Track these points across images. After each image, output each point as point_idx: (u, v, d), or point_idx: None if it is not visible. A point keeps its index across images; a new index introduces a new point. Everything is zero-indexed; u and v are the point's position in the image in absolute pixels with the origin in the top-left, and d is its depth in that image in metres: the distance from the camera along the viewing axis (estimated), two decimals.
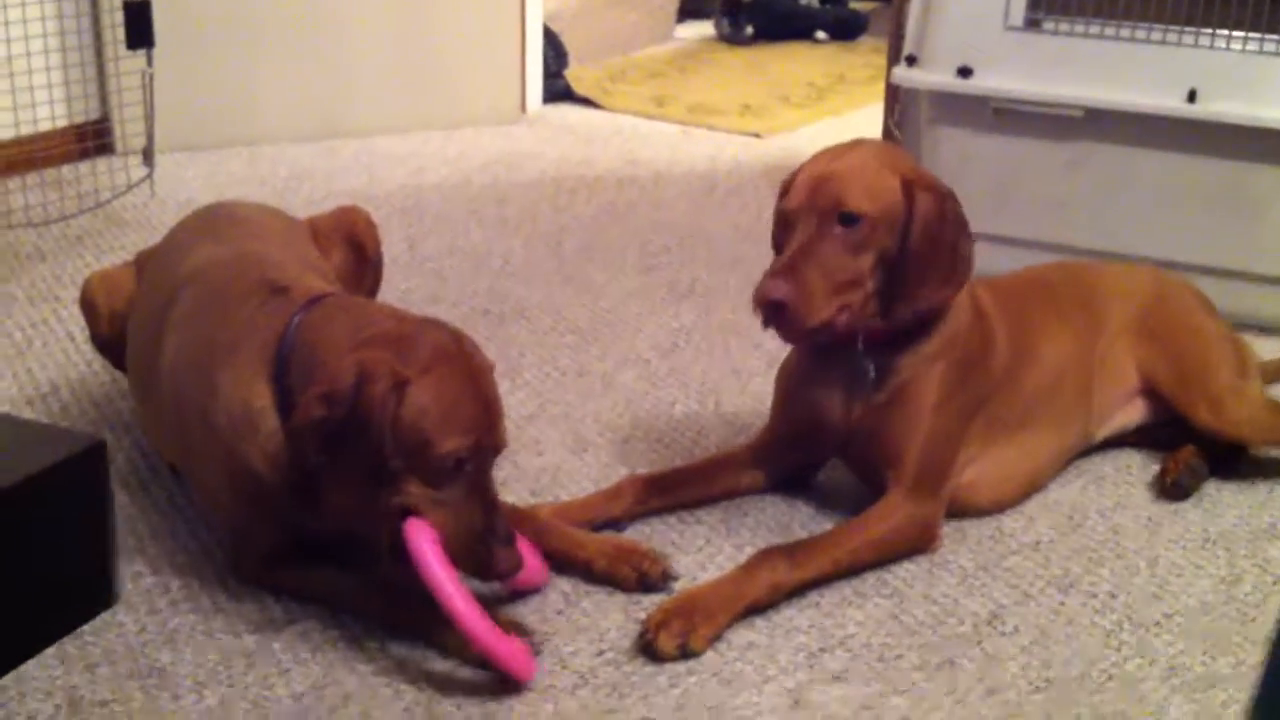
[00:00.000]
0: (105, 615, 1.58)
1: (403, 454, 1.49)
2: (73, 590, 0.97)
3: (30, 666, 1.49)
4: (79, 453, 0.94)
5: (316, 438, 1.49)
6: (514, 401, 2.23)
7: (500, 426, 1.58)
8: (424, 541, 1.49)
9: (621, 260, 2.92)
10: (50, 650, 1.52)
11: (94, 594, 1.00)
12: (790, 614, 1.67)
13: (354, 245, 2.13)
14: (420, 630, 1.59)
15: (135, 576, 1.67)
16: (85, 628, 1.55)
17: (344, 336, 1.55)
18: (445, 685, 1.53)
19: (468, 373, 1.55)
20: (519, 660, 1.51)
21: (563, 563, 1.73)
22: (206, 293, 1.75)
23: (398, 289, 2.68)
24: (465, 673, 1.55)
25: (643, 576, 1.72)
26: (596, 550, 1.74)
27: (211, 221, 2.00)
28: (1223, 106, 2.51)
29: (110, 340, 2.02)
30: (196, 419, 1.64)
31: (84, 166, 3.33)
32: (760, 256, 3.00)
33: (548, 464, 2.04)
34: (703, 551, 1.82)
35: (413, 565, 1.49)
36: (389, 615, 1.61)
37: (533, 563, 1.67)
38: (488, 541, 1.51)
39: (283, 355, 1.58)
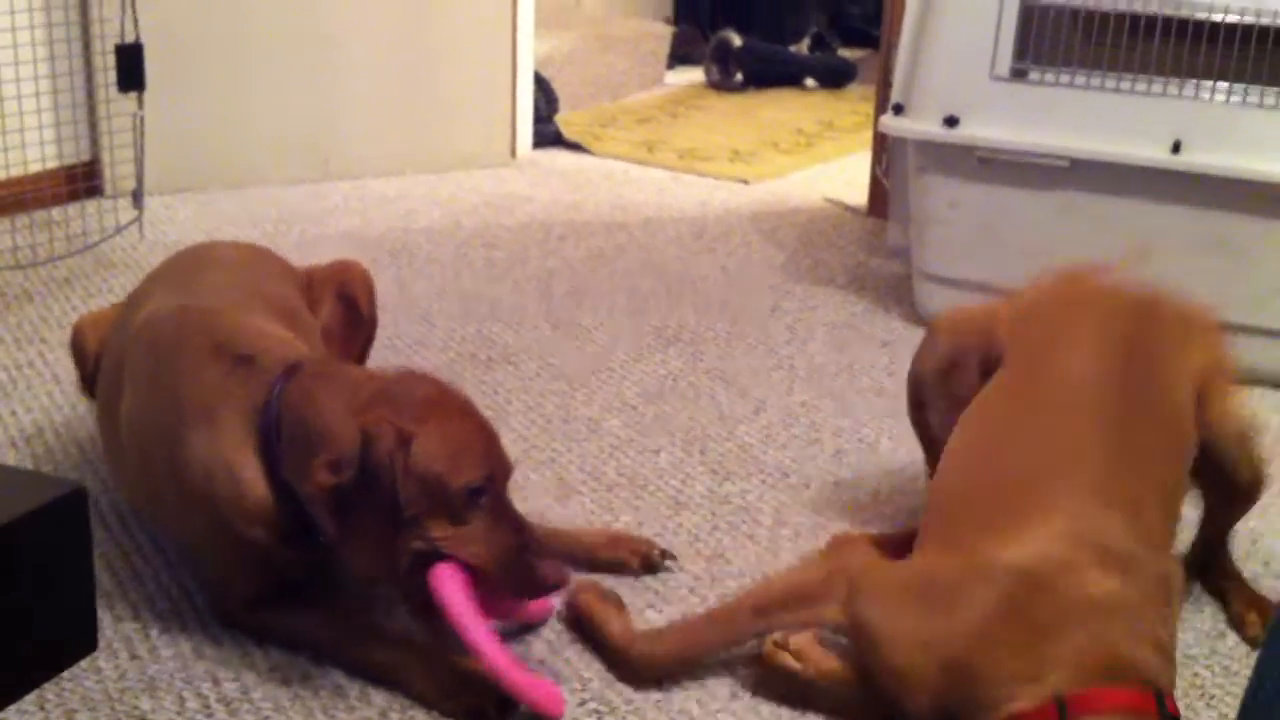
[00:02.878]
0: (85, 661, 1.57)
1: (420, 501, 1.51)
2: (53, 636, 0.97)
3: (10, 714, 1.48)
4: (60, 498, 0.94)
5: (330, 506, 1.50)
6: None
7: (504, 452, 1.61)
8: (450, 585, 1.51)
9: (610, 305, 2.93)
10: (30, 697, 1.51)
11: (75, 640, 1.00)
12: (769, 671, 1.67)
13: (347, 300, 2.13)
14: (399, 677, 1.58)
15: (116, 620, 1.66)
16: (65, 674, 1.55)
17: (336, 403, 1.56)
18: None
19: (462, 411, 1.60)
20: (551, 697, 1.53)
21: (568, 558, 1.76)
22: (151, 349, 1.74)
23: (385, 332, 2.68)
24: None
25: (645, 558, 1.85)
26: (595, 542, 1.86)
27: (179, 266, 2.00)
28: (1207, 158, 2.52)
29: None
30: (166, 476, 1.64)
31: (73, 208, 3.33)
32: (747, 301, 3.02)
33: (532, 509, 2.03)
34: (686, 603, 1.82)
35: (439, 613, 1.51)
36: (369, 661, 1.61)
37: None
38: (526, 558, 1.54)
39: (268, 426, 1.59)
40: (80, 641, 1.09)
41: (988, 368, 1.82)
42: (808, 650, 1.57)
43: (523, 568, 1.53)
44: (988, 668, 1.39)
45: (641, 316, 2.87)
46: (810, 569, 1.65)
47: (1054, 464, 1.59)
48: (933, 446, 1.87)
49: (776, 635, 1.58)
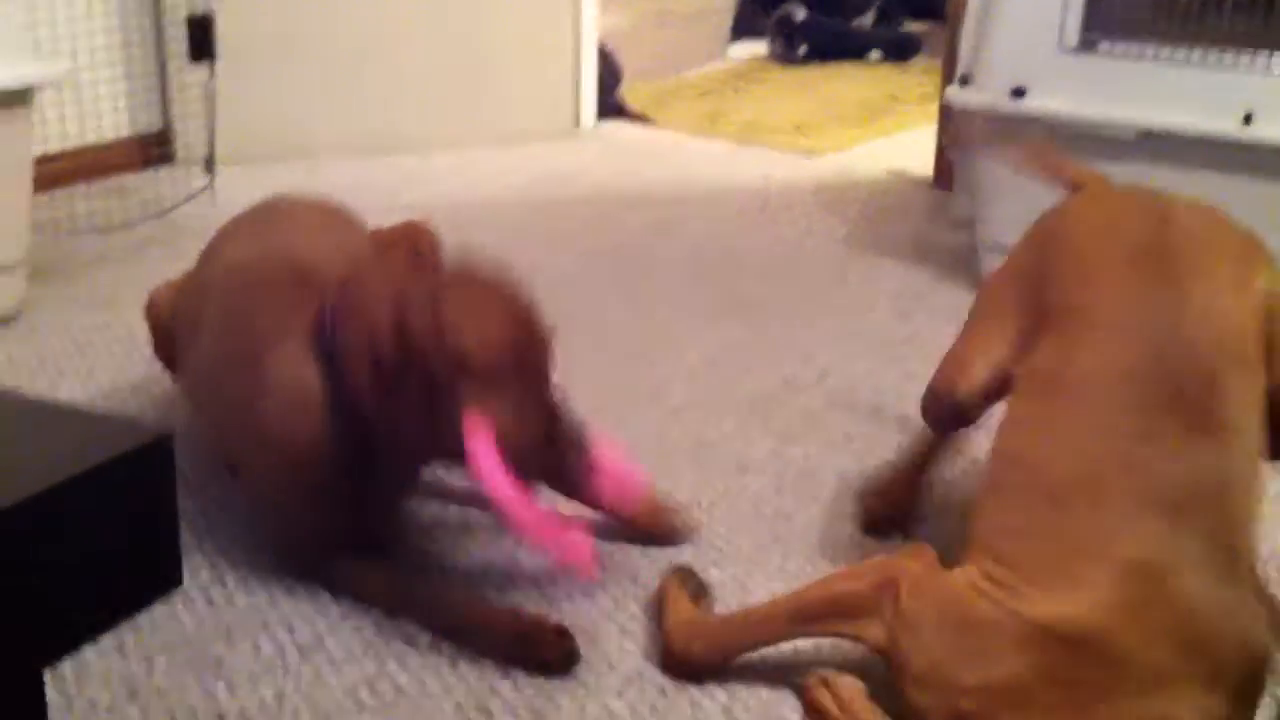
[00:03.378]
0: (164, 609, 1.61)
1: (451, 372, 1.52)
2: (140, 573, 1.01)
3: (90, 656, 1.52)
4: (148, 443, 0.98)
5: (369, 379, 1.53)
6: None
7: (543, 334, 1.62)
8: (483, 443, 1.52)
9: (673, 275, 2.94)
10: (110, 642, 1.55)
11: (162, 577, 1.04)
12: None
13: (416, 260, 2.16)
14: (464, 638, 1.61)
15: (193, 571, 1.70)
16: (144, 620, 1.59)
17: (379, 291, 1.60)
18: (496, 683, 1.55)
19: (497, 286, 1.62)
20: (577, 550, 1.54)
21: (608, 521, 1.82)
22: (234, 290, 1.79)
23: None
24: (517, 670, 1.57)
25: (675, 530, 1.86)
26: (638, 508, 1.85)
27: (252, 220, 2.04)
28: (1278, 130, 2.50)
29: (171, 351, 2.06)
30: (243, 411, 1.68)
31: (146, 175, 3.40)
32: (810, 274, 3.03)
33: None
34: (751, 562, 1.83)
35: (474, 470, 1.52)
36: (433, 623, 1.64)
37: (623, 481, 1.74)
38: (554, 444, 1.55)
39: (325, 331, 1.63)
40: (168, 578, 1.14)
41: None
42: (853, 702, 1.46)
43: (547, 453, 1.54)
44: None
45: (704, 287, 2.88)
46: (857, 579, 1.49)
47: (1103, 467, 1.38)
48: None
49: (826, 673, 1.49)
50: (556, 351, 1.66)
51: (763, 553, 1.85)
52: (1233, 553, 1.34)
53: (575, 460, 1.57)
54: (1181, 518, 1.33)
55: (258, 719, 1.47)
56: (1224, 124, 2.53)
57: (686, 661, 1.57)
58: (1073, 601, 1.29)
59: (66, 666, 1.51)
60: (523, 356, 1.57)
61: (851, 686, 1.48)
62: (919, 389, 2.36)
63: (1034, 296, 1.65)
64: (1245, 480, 1.39)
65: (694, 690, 1.55)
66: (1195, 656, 1.26)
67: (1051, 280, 1.64)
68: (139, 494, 0.99)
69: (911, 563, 1.47)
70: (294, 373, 1.64)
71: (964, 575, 1.42)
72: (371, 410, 1.58)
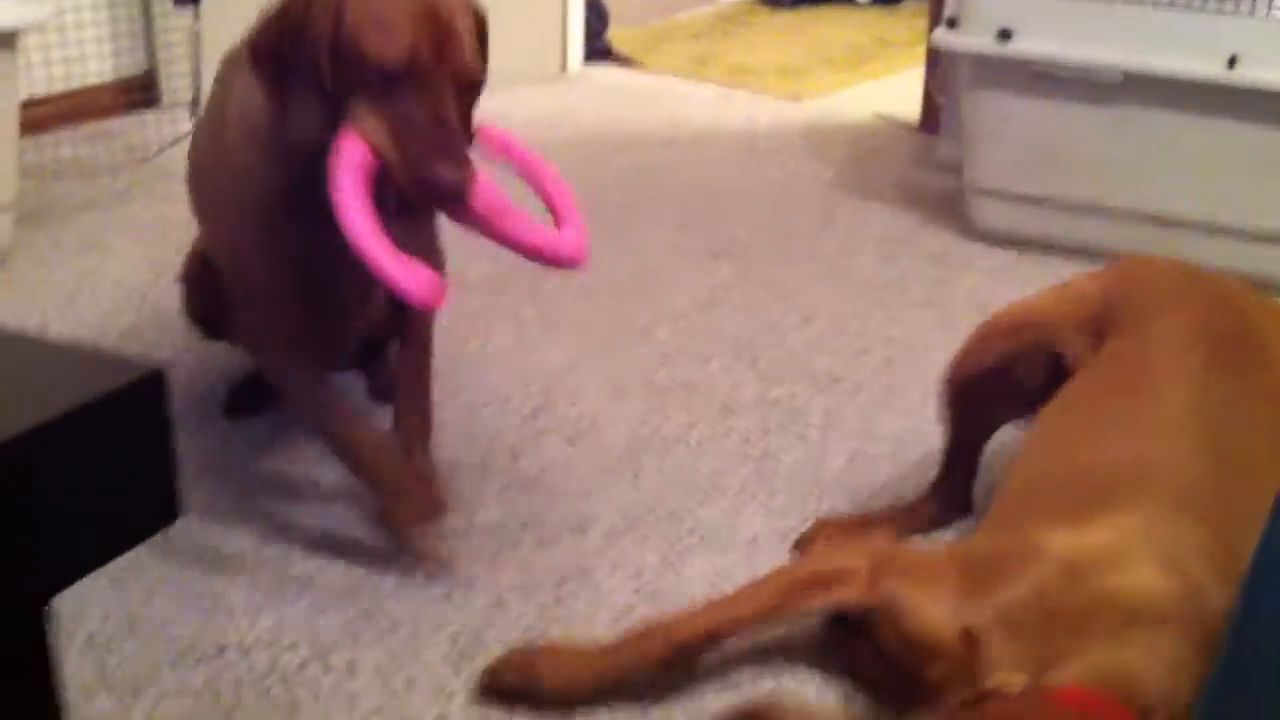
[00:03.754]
0: (162, 544, 1.64)
1: (344, 70, 1.48)
2: (140, 507, 1.03)
3: (89, 589, 1.55)
4: (142, 377, 0.99)
5: (270, 72, 1.50)
6: (553, 353, 2.27)
7: (457, 48, 1.54)
8: (346, 160, 1.46)
9: (660, 218, 2.96)
10: (108, 576, 1.58)
11: (160, 511, 1.06)
12: None
13: None
14: (364, 461, 1.65)
15: (190, 509, 1.73)
16: (142, 555, 1.62)
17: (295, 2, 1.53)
18: (490, 616, 1.58)
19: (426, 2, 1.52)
20: (426, 287, 1.47)
21: None
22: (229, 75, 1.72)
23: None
24: (511, 601, 1.60)
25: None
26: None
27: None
28: (1264, 73, 2.51)
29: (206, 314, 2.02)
30: (207, 157, 1.69)
31: (131, 119, 3.39)
32: (798, 215, 3.04)
33: (584, 412, 2.08)
34: (737, 498, 1.87)
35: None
36: (347, 441, 1.65)
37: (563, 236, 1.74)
38: (431, 157, 1.47)
39: (259, 50, 1.56)
40: (165, 513, 1.15)
41: (1052, 366, 1.71)
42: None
43: (421, 164, 1.46)
44: (997, 646, 1.29)
45: (691, 230, 2.89)
46: (840, 556, 1.50)
47: (1143, 465, 1.43)
48: (963, 445, 1.81)
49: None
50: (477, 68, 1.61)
51: (749, 491, 1.88)
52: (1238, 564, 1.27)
53: (444, 169, 1.48)
54: (1207, 520, 1.35)
55: (257, 649, 1.50)
56: (1209, 67, 2.54)
57: (681, 648, 1.47)
58: (1080, 541, 1.33)
59: (66, 601, 1.54)
60: (420, 67, 1.48)
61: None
62: (902, 332, 2.40)
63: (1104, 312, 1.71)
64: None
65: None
66: (1177, 606, 1.27)
67: (1128, 304, 1.71)
68: (135, 428, 1.00)
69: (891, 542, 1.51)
70: (241, 103, 1.60)
71: (974, 538, 1.47)
72: (280, 123, 1.52)
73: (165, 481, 1.29)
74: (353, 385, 2.09)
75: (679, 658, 1.46)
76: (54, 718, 1.05)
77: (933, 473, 1.85)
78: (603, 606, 1.61)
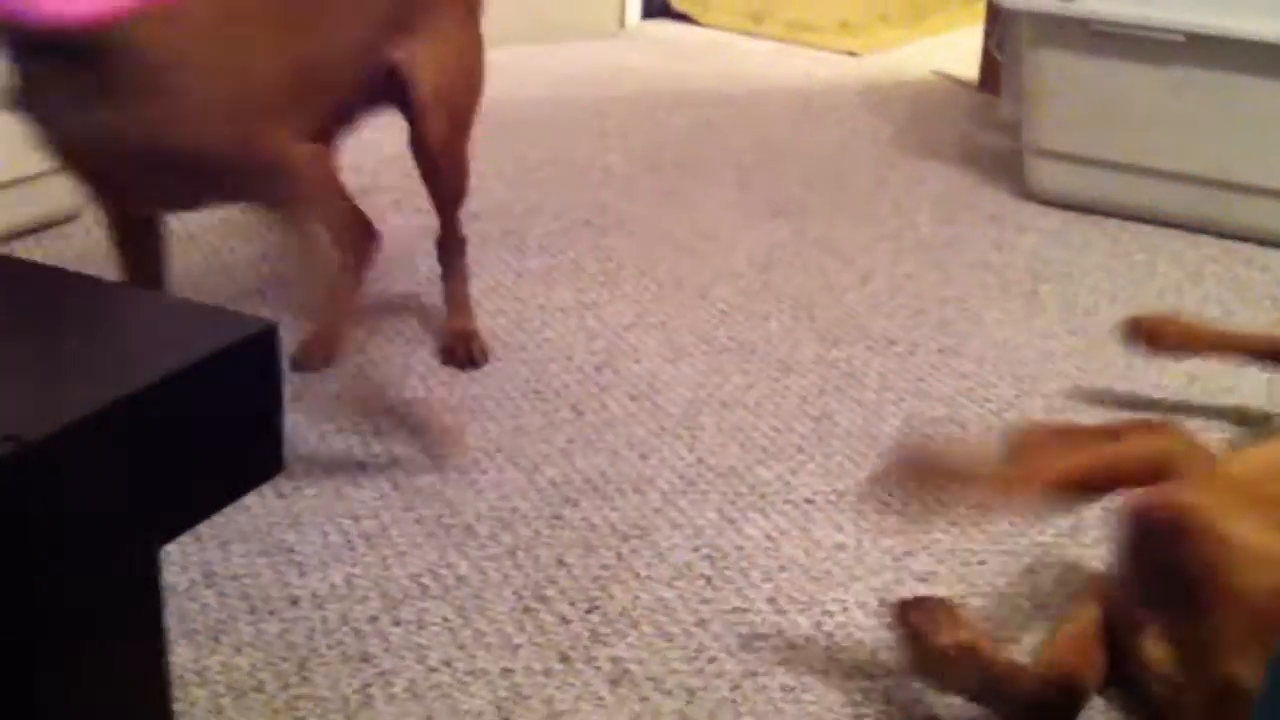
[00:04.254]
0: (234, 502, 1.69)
1: None
2: (250, 457, 1.09)
3: (171, 546, 1.61)
4: (254, 334, 1.05)
5: None
6: (613, 311, 2.31)
7: None
8: None
9: (718, 175, 2.98)
10: (187, 534, 1.64)
11: (269, 460, 1.13)
12: (877, 519, 1.75)
13: None
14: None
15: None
16: (219, 513, 1.67)
17: None
18: (554, 573, 1.62)
19: None
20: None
21: None
22: None
23: (500, 199, 2.77)
24: (572, 560, 1.64)
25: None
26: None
27: None
28: None
29: None
30: None
31: None
32: (855, 173, 3.06)
33: (644, 371, 2.12)
34: (793, 460, 1.90)
35: None
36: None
37: None
38: None
39: None
40: (271, 464, 1.22)
41: None
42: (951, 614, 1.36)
43: None
44: None
45: (749, 187, 2.91)
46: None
47: None
48: None
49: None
50: None
51: (807, 452, 1.91)
52: None
53: None
54: None
55: (329, 602, 1.55)
56: (1271, 27, 2.52)
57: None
58: None
59: None
60: None
61: (946, 602, 1.41)
62: (958, 293, 2.42)
63: None
64: None
65: (740, 581, 1.62)
66: None
67: None
68: (249, 382, 1.06)
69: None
70: None
71: None
72: None
73: (274, 433, 1.35)
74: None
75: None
76: (161, 655, 1.11)
77: (990, 434, 1.87)
78: (663, 565, 1.65)
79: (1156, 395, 2.08)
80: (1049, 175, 2.81)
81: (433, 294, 2.25)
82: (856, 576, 1.64)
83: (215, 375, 1.00)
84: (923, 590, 1.62)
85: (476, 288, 2.33)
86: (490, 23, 3.90)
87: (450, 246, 2.17)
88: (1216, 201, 2.66)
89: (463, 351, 2.12)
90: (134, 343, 1.04)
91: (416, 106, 1.97)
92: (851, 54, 4.01)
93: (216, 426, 1.02)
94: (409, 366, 2.10)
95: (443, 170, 2.06)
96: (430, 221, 2.19)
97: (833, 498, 1.80)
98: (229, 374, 1.02)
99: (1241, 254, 2.62)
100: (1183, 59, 2.63)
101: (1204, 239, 2.67)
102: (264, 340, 1.04)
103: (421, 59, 1.94)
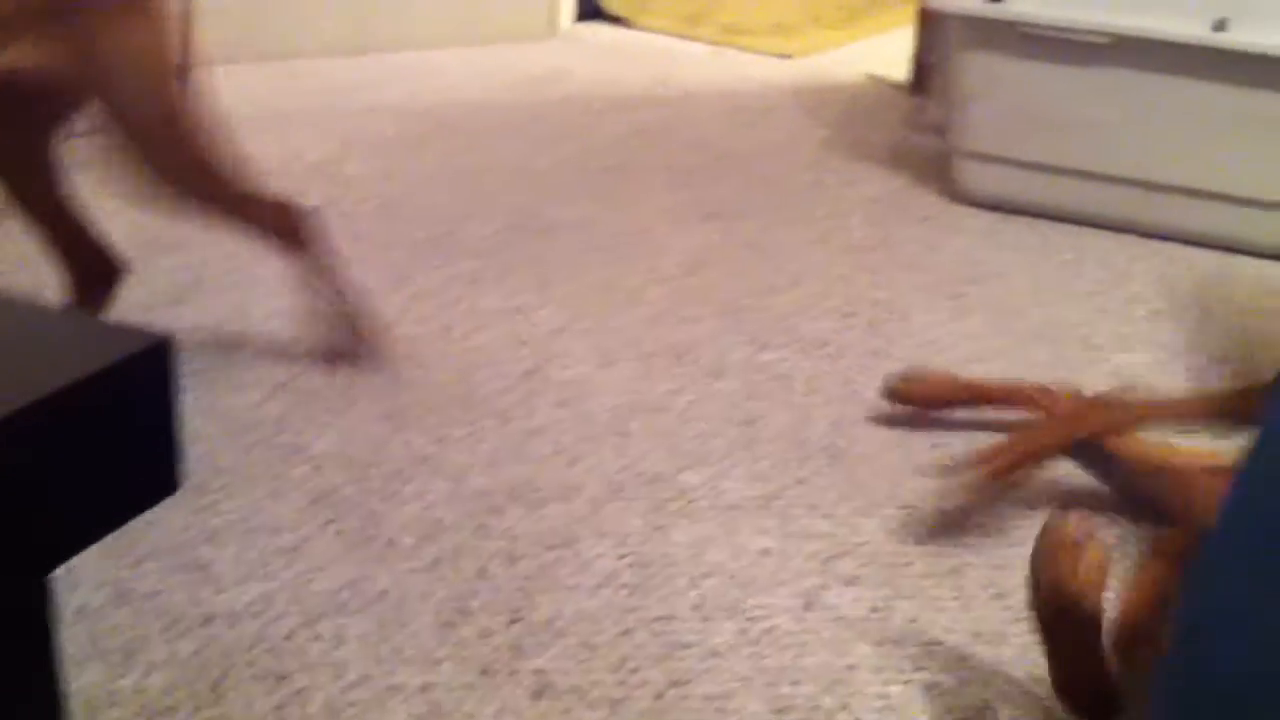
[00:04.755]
0: (149, 514, 1.66)
1: None
2: (141, 478, 1.06)
3: (81, 561, 1.57)
4: (148, 348, 1.01)
5: None
6: (543, 315, 2.29)
7: None
8: None
9: (651, 179, 2.96)
10: (98, 546, 1.60)
11: (161, 481, 1.09)
12: (805, 523, 1.74)
13: None
14: None
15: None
16: (129, 525, 1.64)
17: None
18: (475, 584, 1.60)
19: None
20: None
21: None
22: None
23: (433, 202, 2.74)
24: (496, 571, 1.62)
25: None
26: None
27: None
28: (1252, 36, 2.52)
29: None
30: None
31: None
32: (787, 177, 3.05)
33: (573, 376, 2.10)
34: (720, 465, 1.89)
35: None
36: None
37: None
38: None
39: None
40: (166, 483, 1.18)
41: None
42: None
43: None
44: None
45: (682, 190, 2.90)
46: None
47: None
48: None
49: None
50: None
51: (734, 456, 1.90)
52: None
53: None
54: None
55: (245, 620, 1.52)
56: (1196, 29, 2.54)
57: None
58: None
59: (60, 572, 1.56)
60: None
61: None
62: (888, 295, 2.42)
63: None
64: None
65: (665, 589, 1.61)
66: None
67: None
68: (141, 399, 1.03)
69: None
70: None
71: None
72: None
73: (168, 453, 1.32)
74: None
75: None
76: (53, 687, 1.08)
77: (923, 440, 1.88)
78: (588, 574, 1.63)
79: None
80: (978, 177, 2.81)
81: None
82: (782, 581, 1.63)
83: (104, 392, 0.97)
84: (849, 594, 1.61)
85: (403, 294, 2.30)
86: (420, 25, 3.89)
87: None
88: (1143, 202, 2.68)
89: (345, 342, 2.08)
90: (16, 359, 1.01)
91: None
92: (786, 57, 4.01)
93: (106, 445, 0.99)
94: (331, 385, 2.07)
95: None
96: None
97: (760, 502, 1.79)
98: (120, 390, 1.00)
99: (1167, 253, 2.64)
100: (1109, 60, 2.65)
101: (1131, 239, 2.69)
102: (157, 354, 1.02)
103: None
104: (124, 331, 1.09)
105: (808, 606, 1.58)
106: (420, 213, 2.70)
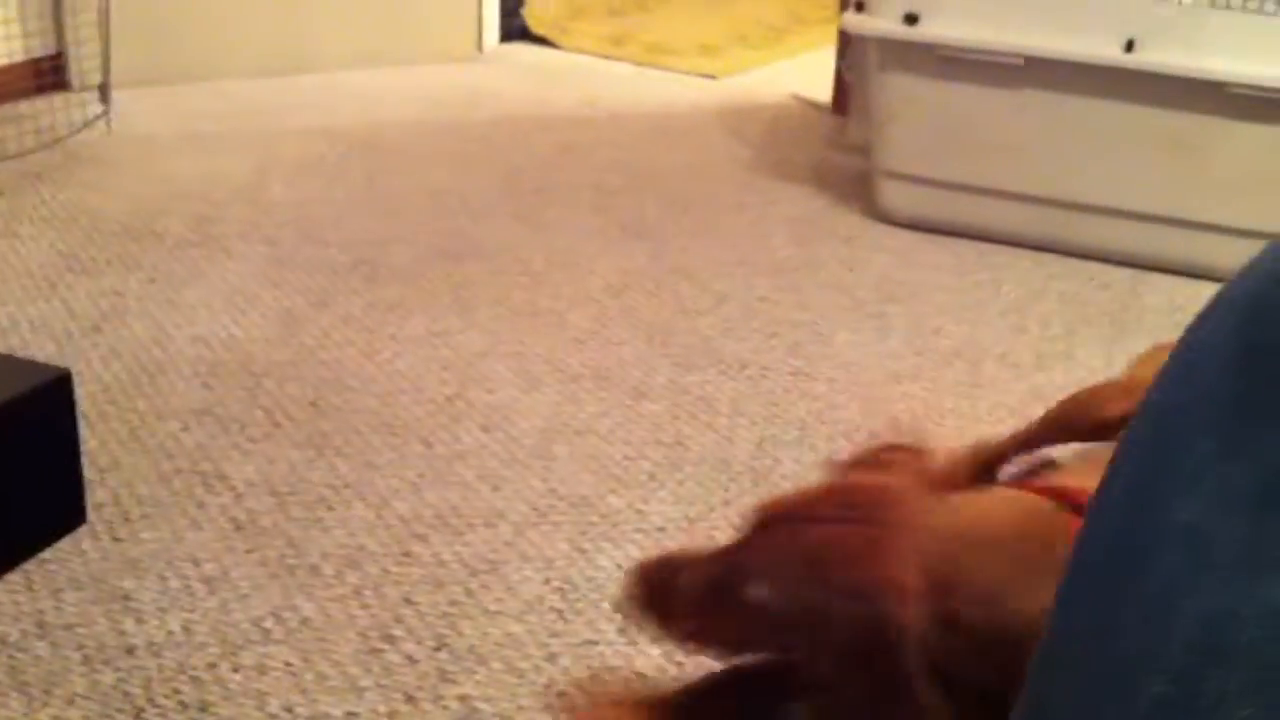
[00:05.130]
0: (69, 544, 1.64)
1: None
2: (44, 513, 1.04)
3: (1, 594, 1.55)
4: (46, 383, 1.00)
5: None
6: (466, 339, 2.29)
7: None
8: None
9: (576, 200, 2.98)
10: (18, 578, 1.58)
11: (64, 516, 1.07)
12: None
13: None
14: None
15: (97, 507, 1.73)
16: (49, 556, 1.62)
17: None
18: (400, 611, 1.60)
19: None
20: None
21: None
22: None
23: (356, 225, 2.73)
24: (420, 598, 1.62)
25: None
26: None
27: None
28: (1161, 56, 2.57)
29: None
30: None
31: (41, 102, 3.34)
32: (712, 196, 3.08)
33: (497, 400, 2.11)
34: (645, 488, 1.90)
35: None
36: None
37: None
38: None
39: None
40: (70, 517, 1.17)
41: None
42: None
43: None
44: None
45: (607, 211, 2.92)
46: None
47: None
48: None
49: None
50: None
51: (659, 479, 1.91)
52: None
53: None
54: None
55: (166, 650, 1.51)
56: (1106, 50, 2.60)
57: None
58: None
59: None
60: None
61: None
62: (811, 315, 2.44)
63: None
64: None
65: (591, 613, 1.61)
66: None
67: None
68: (41, 433, 1.02)
69: None
70: None
71: None
72: None
73: (73, 484, 1.31)
74: None
75: None
76: None
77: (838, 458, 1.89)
78: (513, 599, 1.64)
79: (1001, 413, 2.13)
80: (898, 196, 2.86)
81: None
82: None
83: (5, 426, 0.96)
84: None
85: (326, 318, 2.30)
86: (347, 45, 3.88)
87: None
88: (1059, 221, 2.73)
89: None
90: None
91: None
92: (710, 76, 4.04)
93: (9, 478, 0.98)
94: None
95: None
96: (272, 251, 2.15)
97: (684, 524, 1.80)
98: (20, 424, 0.99)
99: (1085, 272, 2.69)
100: (1023, 81, 2.70)
101: (1048, 258, 2.74)
102: (57, 388, 1.01)
103: None
104: (23, 365, 1.08)
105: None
106: (343, 236, 2.69)
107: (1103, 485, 0.83)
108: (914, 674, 0.99)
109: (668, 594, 1.20)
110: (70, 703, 1.43)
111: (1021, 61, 2.66)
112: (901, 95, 2.80)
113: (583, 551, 1.74)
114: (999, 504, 1.22)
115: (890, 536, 1.06)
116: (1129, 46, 2.58)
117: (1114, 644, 0.80)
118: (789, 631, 1.08)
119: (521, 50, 4.25)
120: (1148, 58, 2.58)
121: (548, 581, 1.67)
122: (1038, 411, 2.11)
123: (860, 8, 2.83)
